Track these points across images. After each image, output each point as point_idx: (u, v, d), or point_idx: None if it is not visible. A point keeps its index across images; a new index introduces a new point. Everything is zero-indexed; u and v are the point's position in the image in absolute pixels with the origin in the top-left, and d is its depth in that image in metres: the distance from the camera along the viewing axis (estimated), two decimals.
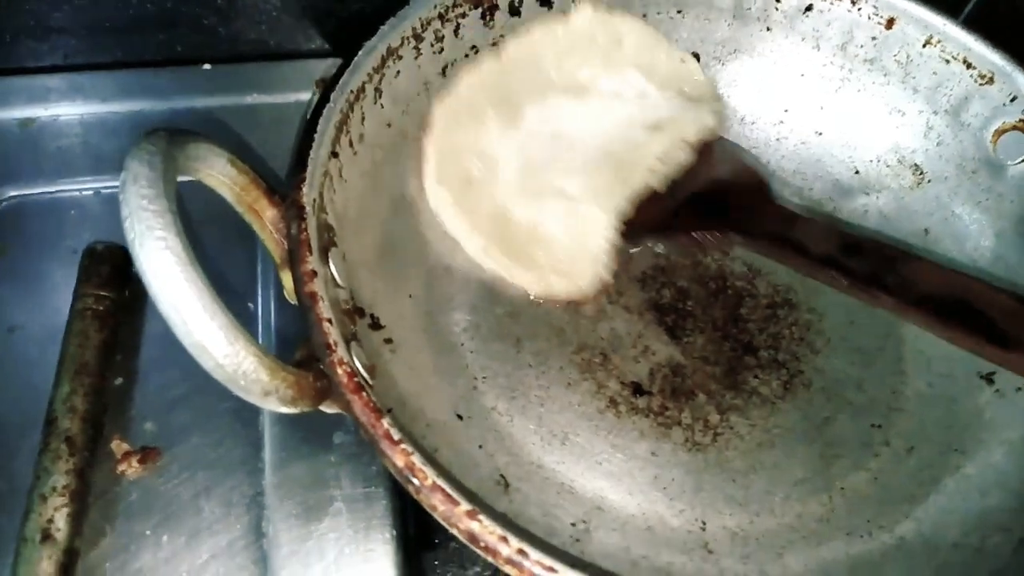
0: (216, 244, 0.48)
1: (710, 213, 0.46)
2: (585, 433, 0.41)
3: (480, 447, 0.39)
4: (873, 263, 0.41)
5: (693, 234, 0.45)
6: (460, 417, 0.40)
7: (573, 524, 0.37)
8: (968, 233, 0.47)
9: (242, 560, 0.40)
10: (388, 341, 0.39)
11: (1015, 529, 0.35)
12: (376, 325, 0.39)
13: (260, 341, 0.47)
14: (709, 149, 0.48)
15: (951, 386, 0.43)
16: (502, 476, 0.38)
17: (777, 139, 0.53)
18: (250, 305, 0.48)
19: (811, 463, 0.41)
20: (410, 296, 0.43)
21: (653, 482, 0.40)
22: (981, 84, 0.47)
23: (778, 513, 0.39)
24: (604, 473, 0.40)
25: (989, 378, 0.43)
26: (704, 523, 0.39)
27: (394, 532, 0.40)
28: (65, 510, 0.37)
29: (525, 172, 0.46)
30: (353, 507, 0.41)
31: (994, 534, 0.35)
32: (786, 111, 0.53)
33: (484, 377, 0.42)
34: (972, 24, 0.47)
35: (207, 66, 0.59)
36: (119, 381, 0.44)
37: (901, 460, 0.41)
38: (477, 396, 0.42)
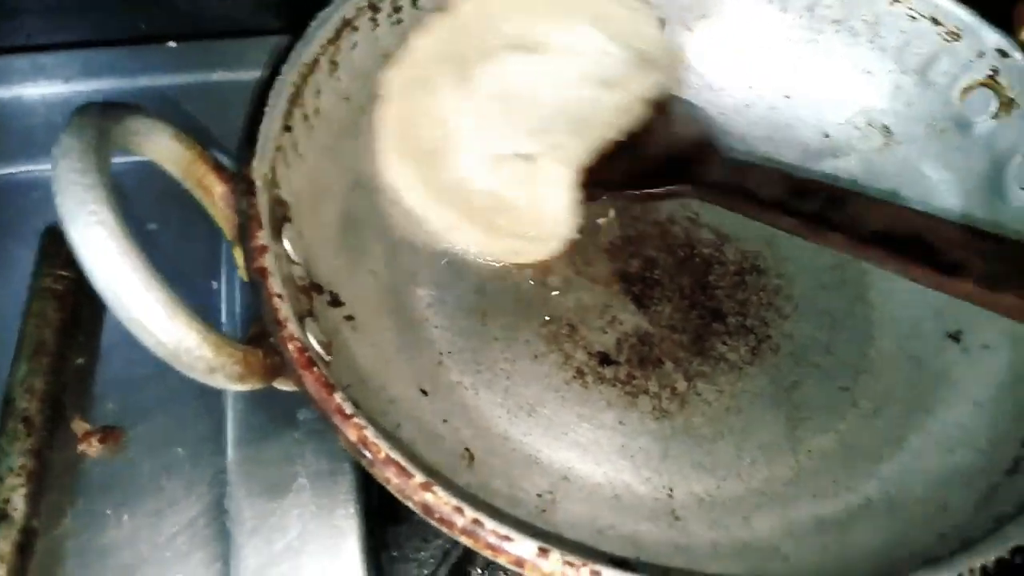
0: (181, 221, 0.47)
1: (667, 168, 0.46)
2: (552, 404, 0.41)
3: (445, 421, 0.39)
4: (821, 203, 0.42)
5: (650, 190, 0.46)
6: (425, 392, 0.40)
7: (539, 495, 0.37)
8: (937, 193, 0.47)
9: (204, 537, 0.40)
10: (349, 318, 0.39)
11: (977, 484, 0.35)
12: (336, 302, 0.39)
13: (224, 321, 0.47)
14: (664, 106, 0.48)
15: (918, 346, 0.43)
16: (467, 450, 0.38)
17: (746, 105, 0.52)
18: (214, 283, 0.48)
19: (778, 427, 0.41)
20: (372, 272, 0.42)
21: (620, 451, 0.40)
22: (948, 41, 0.46)
23: (745, 477, 0.39)
24: (571, 443, 0.40)
25: (955, 337, 0.42)
26: (671, 490, 0.39)
27: (358, 507, 0.40)
28: (22, 490, 0.37)
29: (482, 136, 0.45)
30: (317, 483, 0.41)
31: (958, 490, 0.35)
32: (754, 74, 0.52)
33: (449, 352, 0.42)
34: None
35: (172, 44, 0.58)
36: (80, 361, 0.44)
37: (868, 421, 0.41)
38: (442, 371, 0.41)
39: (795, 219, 0.42)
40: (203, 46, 0.58)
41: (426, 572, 0.42)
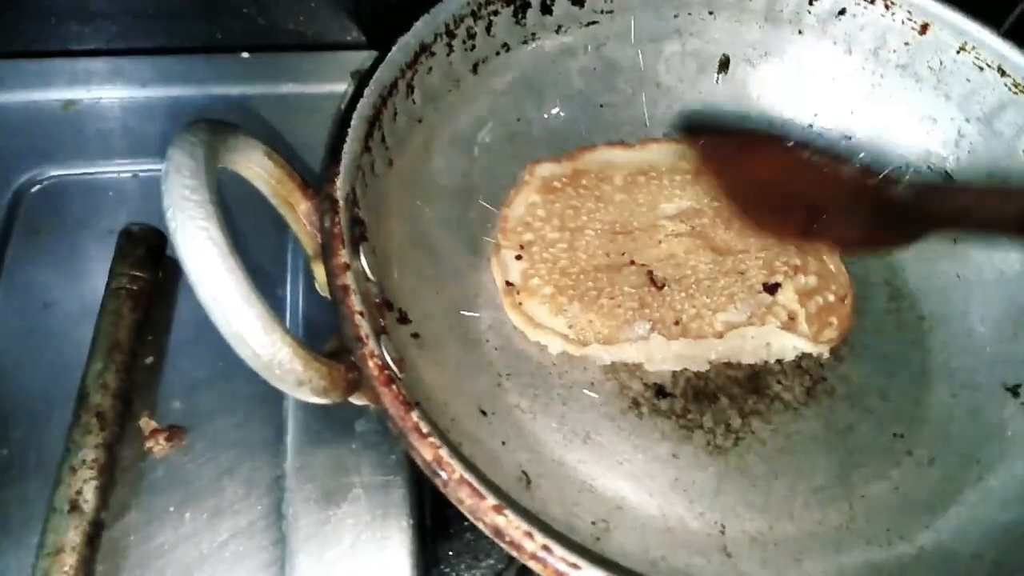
0: (248, 229, 0.48)
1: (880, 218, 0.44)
2: (607, 433, 0.42)
3: (503, 443, 0.40)
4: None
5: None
6: (484, 413, 0.40)
7: (593, 523, 0.38)
8: (996, 242, 0.47)
9: (261, 540, 0.41)
10: (415, 336, 0.40)
11: None
12: (404, 319, 0.40)
13: (288, 326, 0.48)
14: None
15: (975, 397, 0.43)
16: (524, 472, 0.39)
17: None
18: (279, 291, 0.49)
19: (832, 470, 0.41)
20: (436, 292, 0.43)
21: (673, 484, 0.40)
22: (1016, 93, 0.46)
23: (797, 519, 0.39)
24: (625, 473, 0.40)
25: (1015, 390, 0.42)
26: (723, 526, 0.39)
27: (411, 521, 0.41)
28: (93, 483, 0.38)
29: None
30: (372, 494, 0.42)
31: (1013, 548, 0.35)
32: (816, 115, 0.53)
33: (508, 374, 0.43)
34: (1014, 35, 0.47)
35: (245, 54, 0.60)
36: (150, 360, 0.45)
37: (923, 470, 0.41)
38: (501, 393, 0.42)
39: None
40: (275, 58, 0.60)
41: None
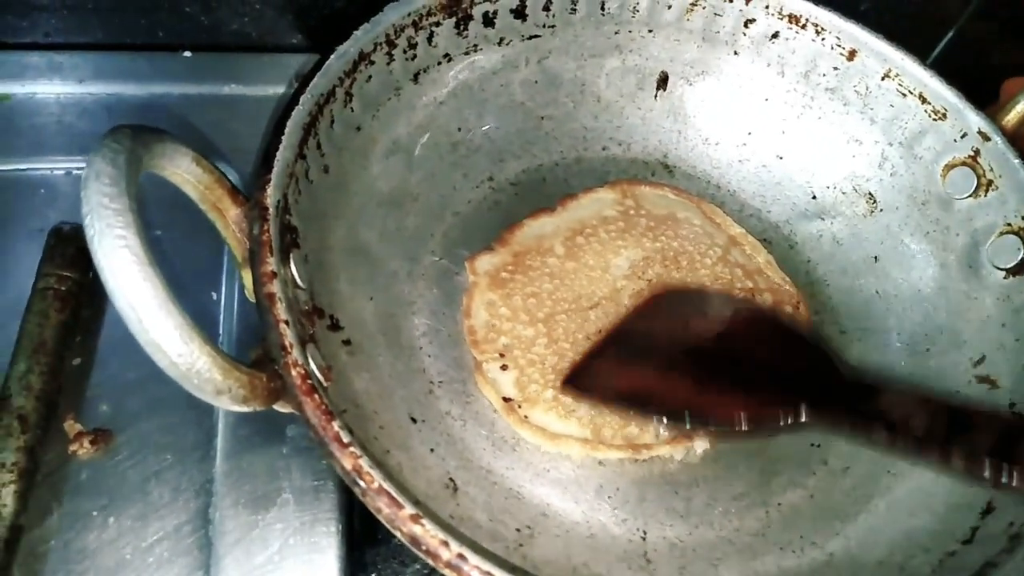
0: (185, 229, 0.48)
1: (777, 392, 0.39)
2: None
3: (432, 451, 0.40)
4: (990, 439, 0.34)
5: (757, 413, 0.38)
6: (414, 420, 0.41)
7: (518, 529, 0.38)
8: (915, 263, 0.49)
9: (187, 545, 0.40)
10: (347, 343, 0.40)
11: (935, 550, 0.36)
12: (335, 326, 0.40)
13: (221, 332, 0.48)
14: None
15: None
16: (451, 480, 0.39)
17: (739, 161, 0.55)
18: (213, 294, 0.49)
19: (752, 479, 0.42)
20: (371, 298, 0.44)
21: (598, 491, 0.41)
22: (935, 119, 0.49)
23: (717, 526, 0.41)
24: (551, 480, 0.41)
25: None
26: (645, 533, 0.40)
27: (339, 526, 0.41)
28: (12, 487, 0.37)
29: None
30: (301, 499, 0.42)
31: (917, 554, 0.37)
32: (749, 134, 0.54)
33: (440, 382, 0.43)
34: (939, 66, 0.49)
35: (187, 53, 0.59)
36: (77, 362, 0.44)
37: (836, 479, 0.43)
38: (432, 400, 0.43)
39: (962, 460, 0.33)
40: (217, 58, 0.60)
41: None
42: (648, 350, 0.43)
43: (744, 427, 0.37)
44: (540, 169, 0.53)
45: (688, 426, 0.40)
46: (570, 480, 0.41)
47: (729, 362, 0.41)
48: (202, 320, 0.47)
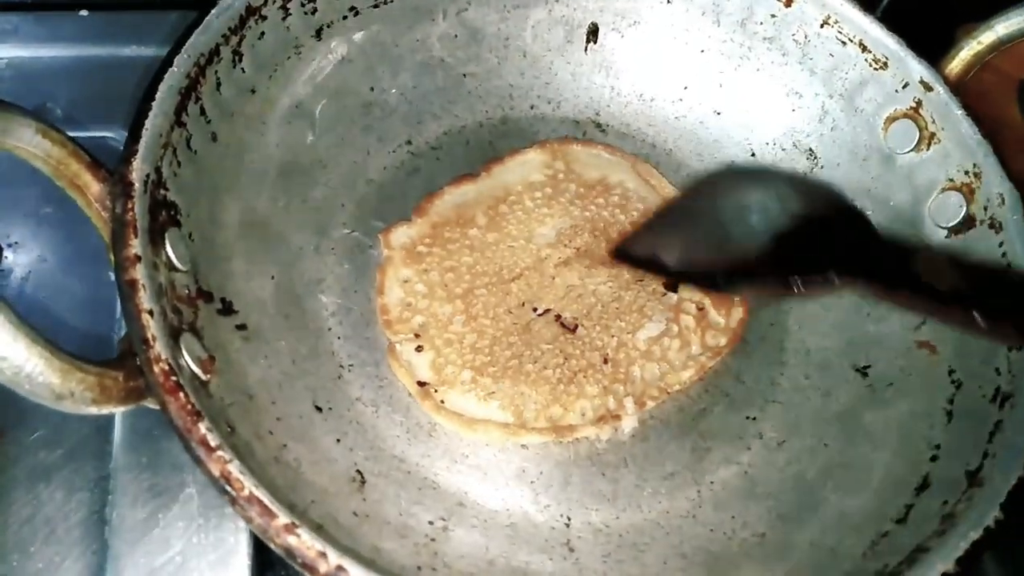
0: (76, 206, 0.44)
1: (801, 254, 0.38)
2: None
3: (338, 441, 0.37)
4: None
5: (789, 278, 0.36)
6: (319, 409, 0.38)
7: (431, 523, 0.36)
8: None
9: (80, 548, 0.38)
10: (241, 327, 0.37)
11: (868, 532, 0.35)
12: (227, 310, 0.37)
13: (119, 314, 0.44)
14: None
15: (827, 378, 0.43)
16: (359, 472, 0.36)
17: (675, 117, 0.52)
18: (111, 274, 0.45)
19: (683, 457, 0.40)
20: (272, 277, 0.40)
21: (520, 476, 0.39)
22: (876, 69, 0.46)
23: (645, 508, 0.38)
24: (470, 466, 0.39)
25: (863, 371, 0.42)
26: (569, 519, 0.38)
27: None
28: None
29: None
30: (206, 493, 0.39)
31: (849, 535, 0.35)
32: (685, 88, 0.51)
33: (351, 365, 0.40)
34: (888, 19, 0.46)
35: (84, 12, 0.55)
36: None
37: (772, 454, 0.40)
38: (341, 385, 0.40)
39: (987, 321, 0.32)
40: (116, 17, 0.55)
41: None
42: (694, 224, 0.42)
43: (800, 289, 0.36)
44: (463, 131, 0.49)
45: (742, 289, 0.41)
46: (490, 464, 0.39)
47: (772, 235, 0.39)
48: (97, 302, 0.45)
